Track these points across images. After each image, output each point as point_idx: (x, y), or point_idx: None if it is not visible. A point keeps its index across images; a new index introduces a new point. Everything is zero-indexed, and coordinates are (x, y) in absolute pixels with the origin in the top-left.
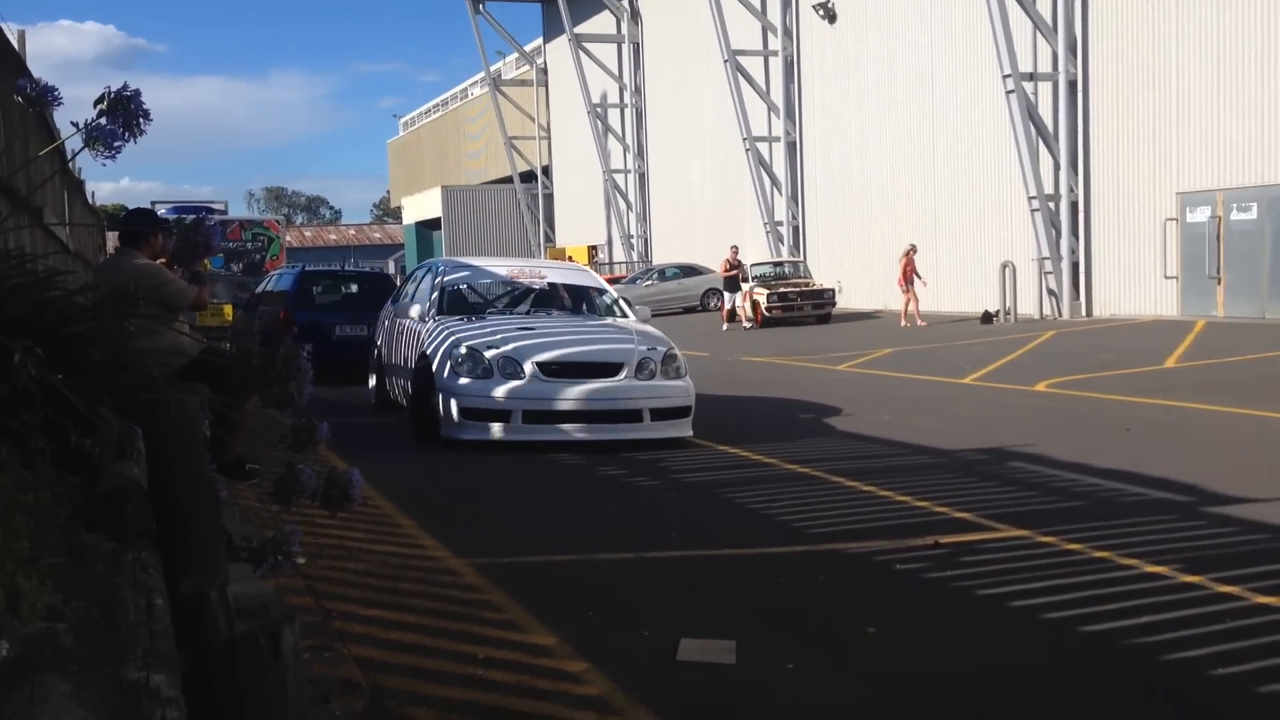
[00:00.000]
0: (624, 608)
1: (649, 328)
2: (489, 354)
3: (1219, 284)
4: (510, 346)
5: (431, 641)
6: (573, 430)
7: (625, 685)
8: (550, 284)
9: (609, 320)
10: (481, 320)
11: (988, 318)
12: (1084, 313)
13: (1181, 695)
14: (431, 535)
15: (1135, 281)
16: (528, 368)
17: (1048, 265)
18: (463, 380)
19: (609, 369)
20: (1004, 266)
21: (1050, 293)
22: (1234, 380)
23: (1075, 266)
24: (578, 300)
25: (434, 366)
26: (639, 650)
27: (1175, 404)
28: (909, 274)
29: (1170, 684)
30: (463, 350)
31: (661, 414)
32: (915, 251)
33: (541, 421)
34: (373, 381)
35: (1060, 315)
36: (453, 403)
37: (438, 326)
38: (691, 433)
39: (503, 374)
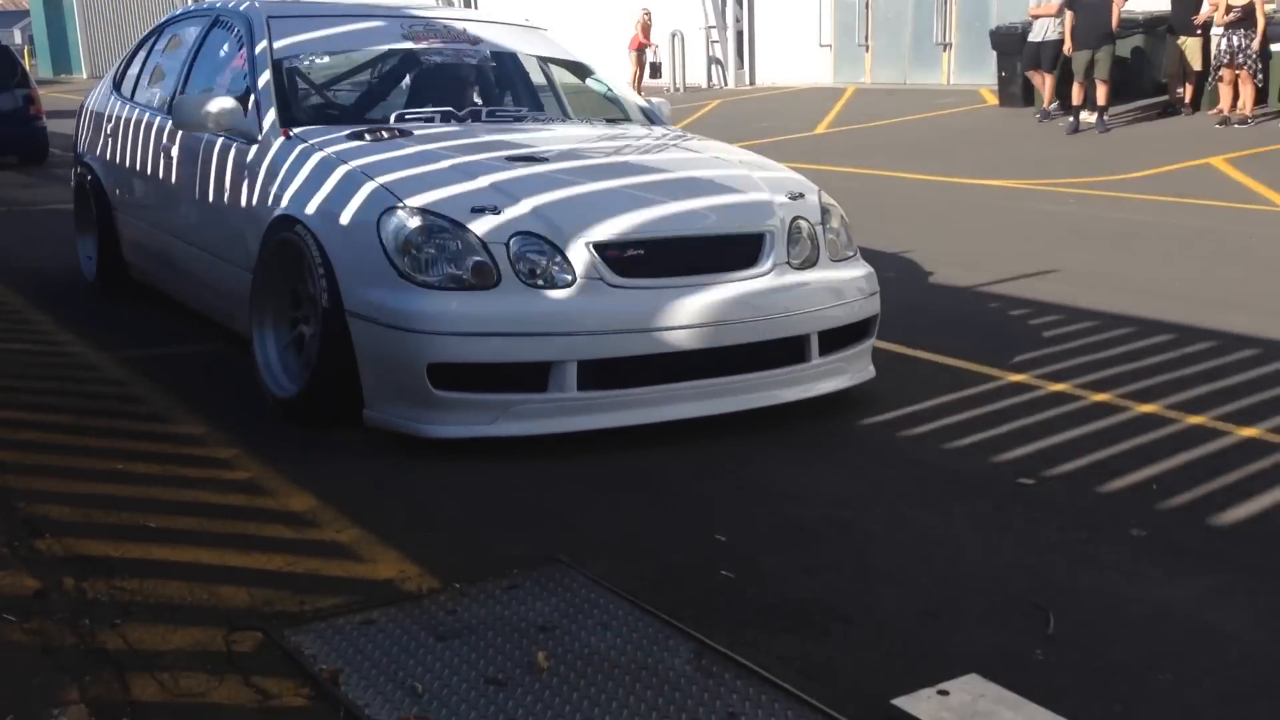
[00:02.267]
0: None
1: (744, 152)
2: (482, 226)
3: (867, 52)
4: (529, 204)
5: (71, 439)
6: (679, 401)
7: (277, 467)
8: (494, 55)
9: (651, 132)
10: (400, 139)
11: (656, 71)
12: (748, 81)
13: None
14: (68, 330)
15: (794, 50)
16: (577, 255)
17: (714, 34)
18: (426, 294)
19: (739, 250)
20: (673, 35)
21: (716, 61)
22: (876, 145)
23: (740, 35)
24: (530, 90)
25: (336, 259)
26: (294, 434)
27: (827, 168)
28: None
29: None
30: (411, 220)
31: (835, 339)
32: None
33: (614, 385)
34: (87, 246)
35: (726, 84)
36: (408, 352)
37: (308, 154)
38: (874, 371)
39: (522, 273)
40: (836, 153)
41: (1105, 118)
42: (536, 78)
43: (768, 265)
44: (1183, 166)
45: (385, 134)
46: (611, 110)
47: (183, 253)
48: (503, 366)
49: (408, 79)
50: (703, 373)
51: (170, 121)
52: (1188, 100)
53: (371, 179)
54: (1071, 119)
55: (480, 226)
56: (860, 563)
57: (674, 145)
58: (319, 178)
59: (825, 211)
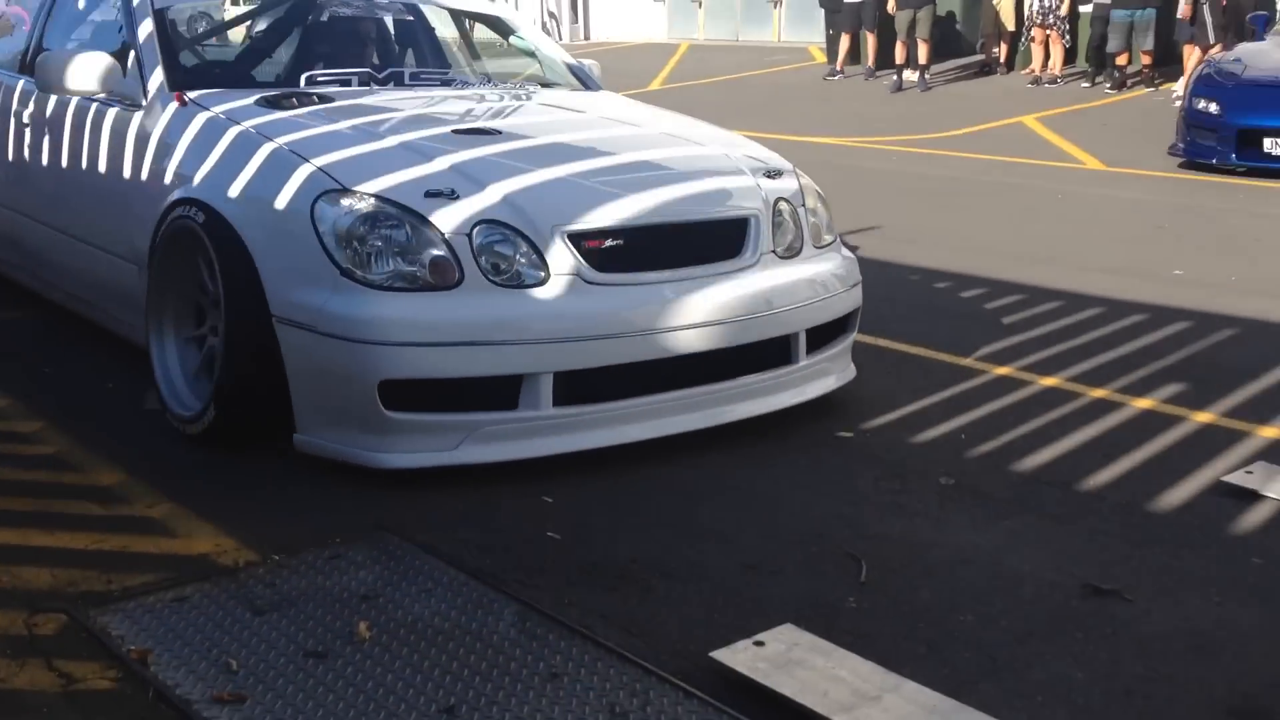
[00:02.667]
0: (79, 359)
1: (706, 125)
2: (440, 213)
3: (700, 8)
4: (494, 188)
5: None
6: (665, 414)
7: (85, 441)
8: (407, 8)
9: (596, 100)
10: (323, 108)
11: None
12: (583, 36)
13: None
14: None
15: (629, 6)
16: (552, 247)
17: None
18: (374, 296)
19: (723, 238)
20: None
21: (551, 16)
22: (709, 101)
23: None
24: (438, 48)
25: (260, 253)
26: (103, 405)
27: None
28: None
29: None
30: (354, 207)
31: (820, 336)
32: None
33: (593, 399)
34: None
35: (561, 38)
36: (354, 366)
37: (216, 126)
38: (855, 371)
39: (487, 269)
40: (670, 109)
41: (926, 76)
42: (446, 34)
43: (754, 255)
44: (998, 125)
45: (301, 101)
46: (538, 72)
47: (49, 242)
48: (467, 382)
49: (301, 33)
50: (689, 381)
51: (28, 83)
52: (1003, 60)
53: (303, 158)
54: (895, 77)
55: (438, 215)
56: (685, 520)
57: (630, 116)
58: (235, 155)
59: (803, 192)
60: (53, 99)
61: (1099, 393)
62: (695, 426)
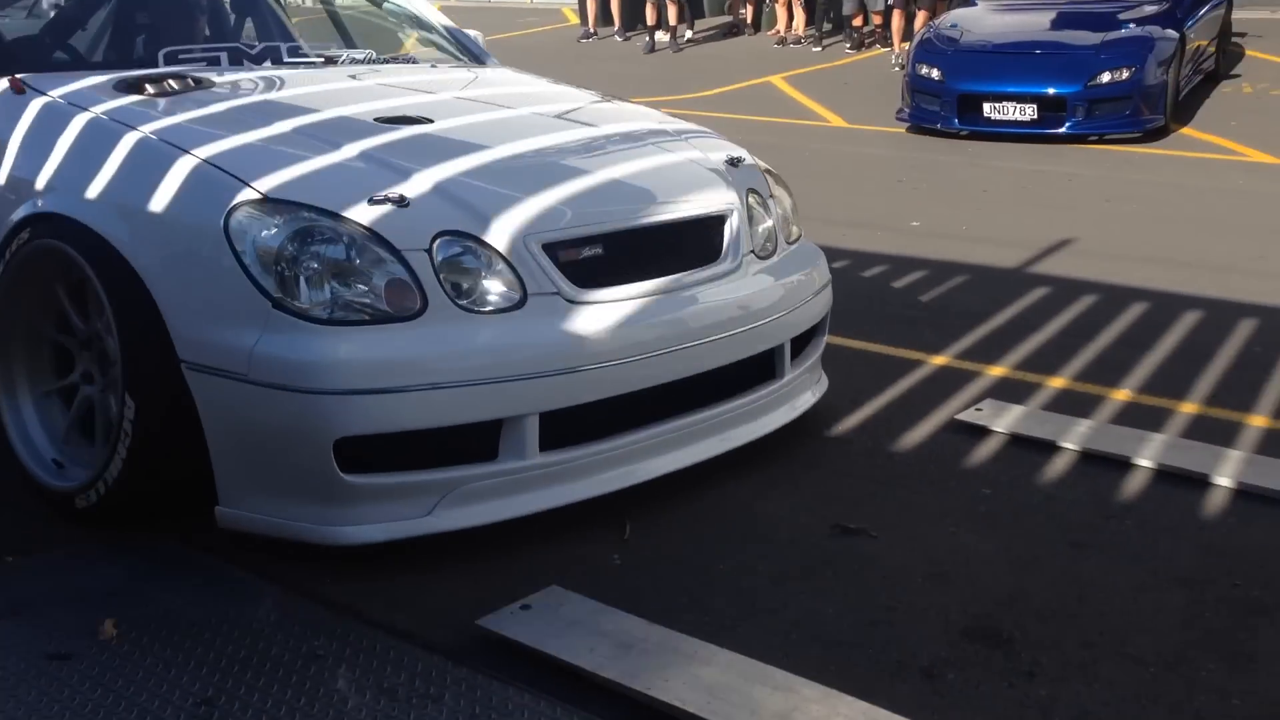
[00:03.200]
0: None
1: (635, 105)
2: (390, 224)
3: None
4: (445, 190)
5: None
6: (658, 452)
7: None
8: None
9: (506, 76)
10: (204, 93)
11: None
12: None
13: None
14: None
15: None
16: (524, 260)
17: None
18: (320, 333)
19: (701, 240)
20: None
21: None
22: None
23: None
24: (280, 20)
25: (156, 282)
26: None
27: None
28: None
29: None
30: (277, 219)
31: (798, 345)
32: None
33: (580, 440)
34: None
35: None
36: (300, 423)
37: (66, 117)
38: (826, 380)
39: (451, 292)
40: None
41: (678, 38)
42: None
43: (736, 258)
44: (748, 84)
45: (174, 84)
46: (415, 45)
47: None
48: (439, 432)
49: (117, 2)
50: (676, 409)
51: None
52: (749, 21)
53: (204, 160)
54: (647, 38)
55: (388, 226)
56: None
57: (554, 94)
58: (107, 158)
59: (767, 179)
60: None
61: (843, 341)
62: (698, 459)
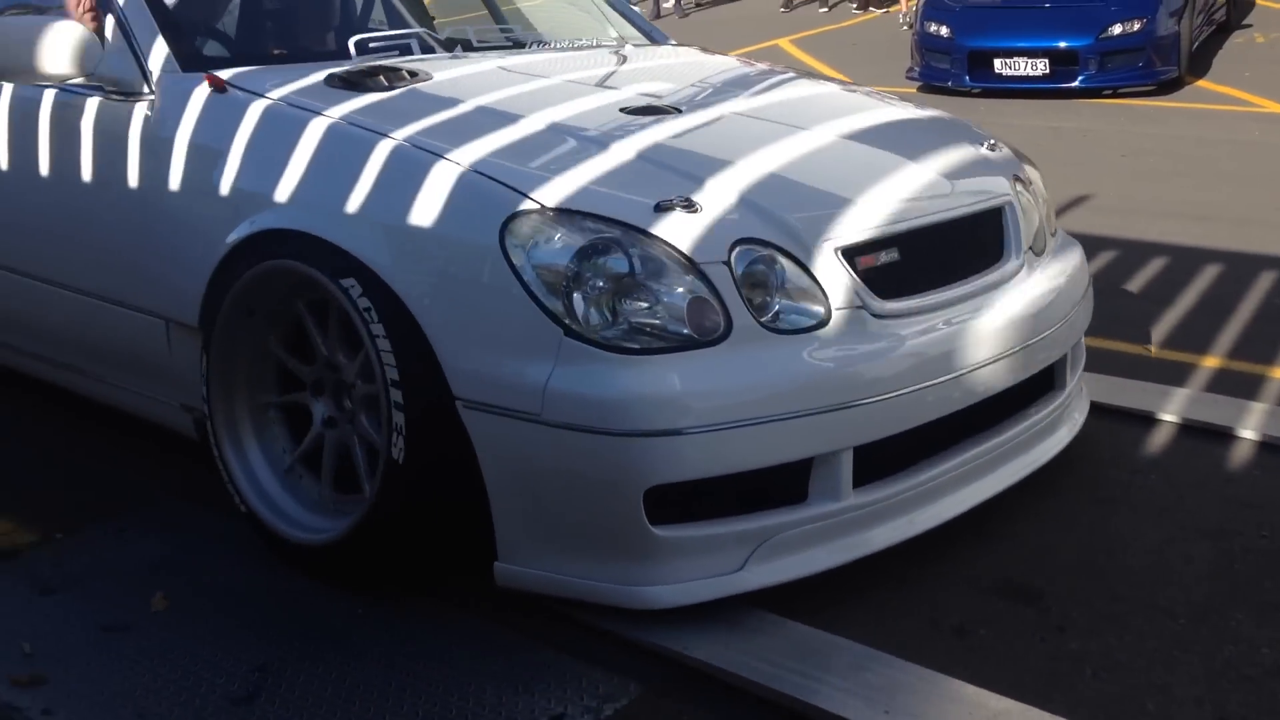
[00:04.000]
0: None
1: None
2: (683, 234)
3: None
4: (734, 192)
5: None
6: (964, 483)
7: None
8: None
9: (704, 56)
10: (424, 87)
11: None
12: None
13: None
14: None
15: None
16: (827, 270)
17: None
18: (623, 364)
19: (983, 237)
20: None
21: None
22: None
23: None
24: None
25: (423, 309)
26: None
27: None
28: None
29: None
30: (561, 231)
31: (1075, 353)
32: None
33: (892, 474)
34: None
35: None
36: (605, 470)
37: (295, 121)
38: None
39: (754, 309)
40: None
41: (683, 2)
42: None
43: (1018, 257)
44: (755, 48)
45: (389, 79)
46: (583, 25)
47: (31, 297)
48: (751, 475)
49: None
50: (970, 434)
51: None
52: None
53: (462, 165)
54: (652, 3)
55: (682, 236)
56: None
57: (779, 76)
58: (347, 165)
59: (1021, 163)
60: (20, 93)
61: None
62: (998, 489)
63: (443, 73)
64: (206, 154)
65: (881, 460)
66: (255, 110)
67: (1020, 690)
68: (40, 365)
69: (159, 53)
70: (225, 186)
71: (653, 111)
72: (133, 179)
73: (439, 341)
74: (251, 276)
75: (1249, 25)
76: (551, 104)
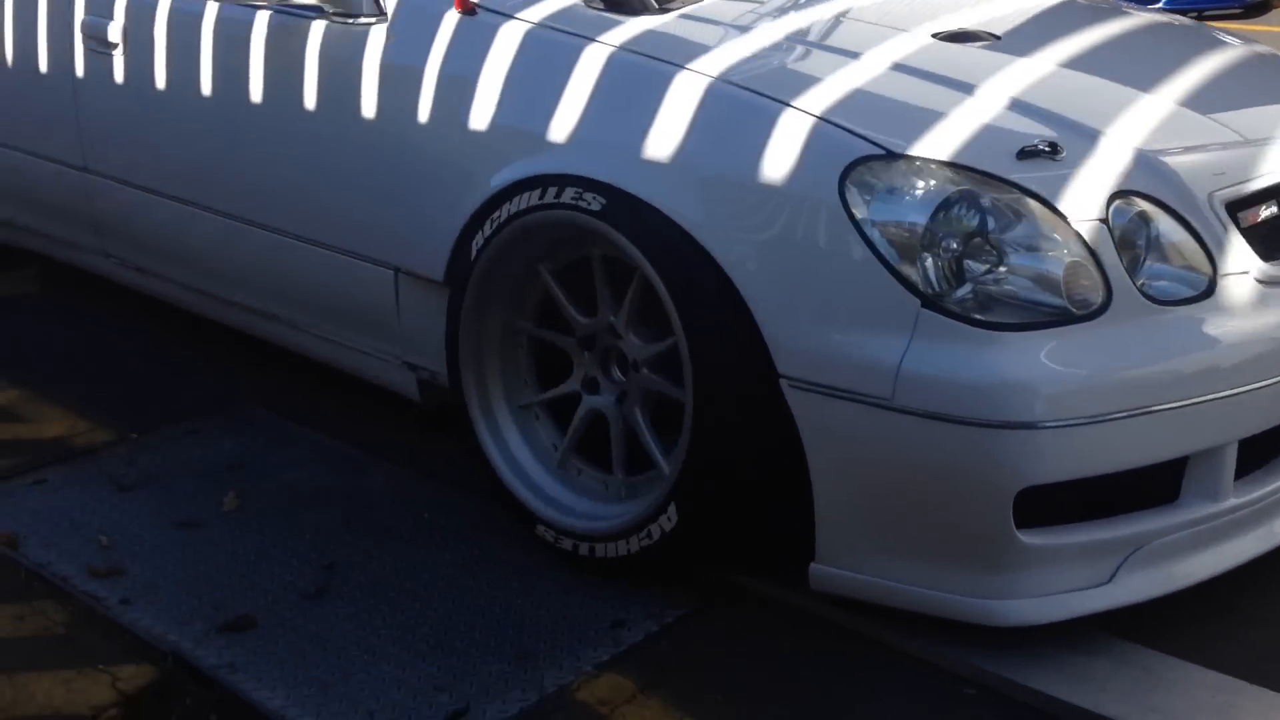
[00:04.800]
0: None
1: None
2: (1053, 185)
3: None
4: (1107, 135)
5: None
6: None
7: None
8: None
9: None
10: (689, 10)
11: None
12: None
13: None
14: None
15: None
16: (1210, 228)
17: None
18: (990, 341)
19: None
20: None
21: None
22: None
23: None
24: None
25: (741, 270)
26: None
27: None
28: None
29: None
30: (920, 183)
31: None
32: None
33: (1269, 469)
34: None
35: None
36: (963, 465)
37: (559, 49)
38: None
39: (1133, 275)
40: None
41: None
42: None
43: None
44: None
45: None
46: None
47: (198, 229)
48: (1125, 473)
49: None
50: None
51: None
52: None
53: (779, 102)
54: None
55: (1053, 188)
56: None
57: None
58: (642, 103)
59: None
60: (209, 11)
61: None
62: None
63: None
64: (457, 85)
65: (1258, 453)
66: (514, 35)
67: None
68: (230, 310)
69: None
70: (483, 123)
71: (969, 38)
72: (364, 112)
73: (763, 312)
74: (522, 225)
75: None
76: (849, 29)
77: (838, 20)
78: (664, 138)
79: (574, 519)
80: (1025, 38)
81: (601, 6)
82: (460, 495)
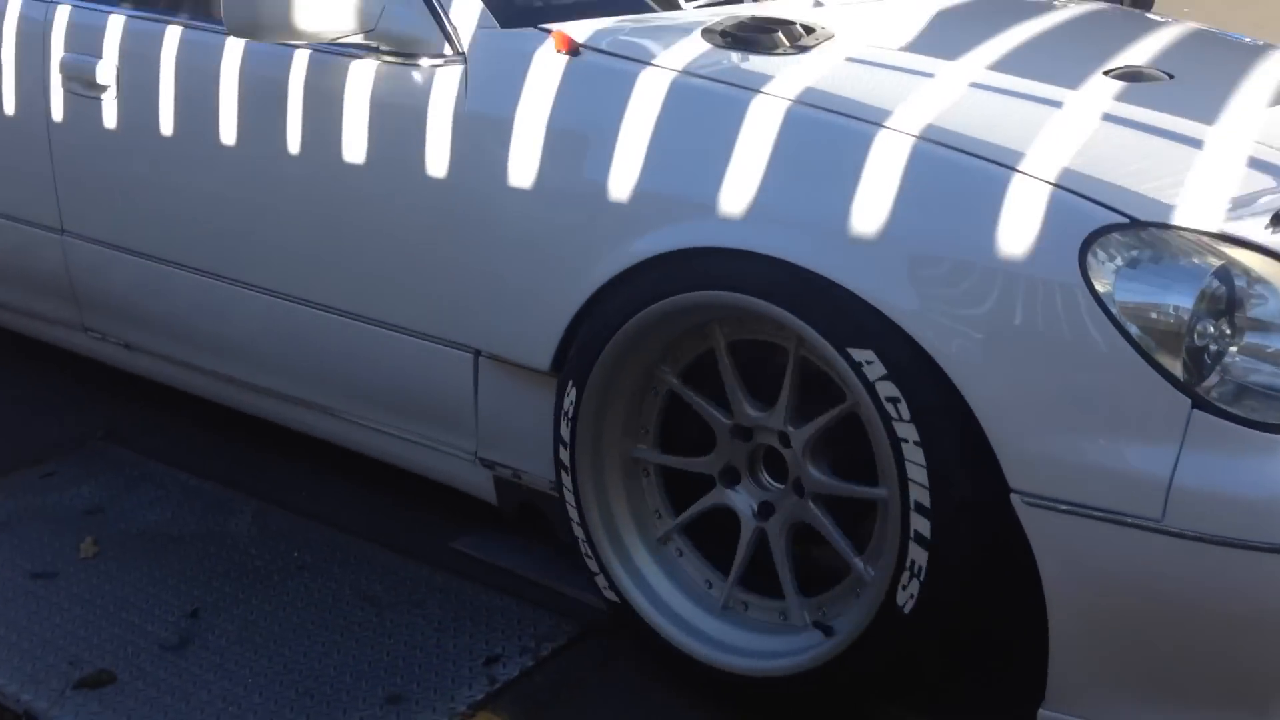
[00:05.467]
0: None
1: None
2: None
3: None
4: None
5: None
6: None
7: None
8: None
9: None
10: (838, 48)
11: None
12: None
13: None
14: None
15: None
16: None
17: None
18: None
19: None
20: None
21: None
22: None
23: None
24: None
25: (948, 361)
26: None
27: None
28: None
29: None
30: (1194, 258)
31: None
32: None
33: None
34: None
35: None
36: (1251, 597)
37: (681, 97)
38: None
39: None
40: None
41: None
42: None
43: None
44: None
45: (787, 35)
46: None
47: (238, 312)
48: None
49: None
50: None
51: (199, 30)
52: None
53: (991, 162)
54: None
55: None
56: None
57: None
58: (820, 165)
59: None
60: (229, 49)
61: None
62: None
63: (833, 22)
64: (563, 139)
65: None
66: (640, 82)
67: None
68: (247, 394)
69: (468, 3)
70: (606, 185)
71: (1143, 77)
72: (433, 170)
73: (990, 414)
74: (666, 308)
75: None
76: (1025, 66)
77: (1007, 56)
78: (861, 208)
79: (753, 660)
80: (1198, 77)
81: (725, 43)
82: (330, 530)
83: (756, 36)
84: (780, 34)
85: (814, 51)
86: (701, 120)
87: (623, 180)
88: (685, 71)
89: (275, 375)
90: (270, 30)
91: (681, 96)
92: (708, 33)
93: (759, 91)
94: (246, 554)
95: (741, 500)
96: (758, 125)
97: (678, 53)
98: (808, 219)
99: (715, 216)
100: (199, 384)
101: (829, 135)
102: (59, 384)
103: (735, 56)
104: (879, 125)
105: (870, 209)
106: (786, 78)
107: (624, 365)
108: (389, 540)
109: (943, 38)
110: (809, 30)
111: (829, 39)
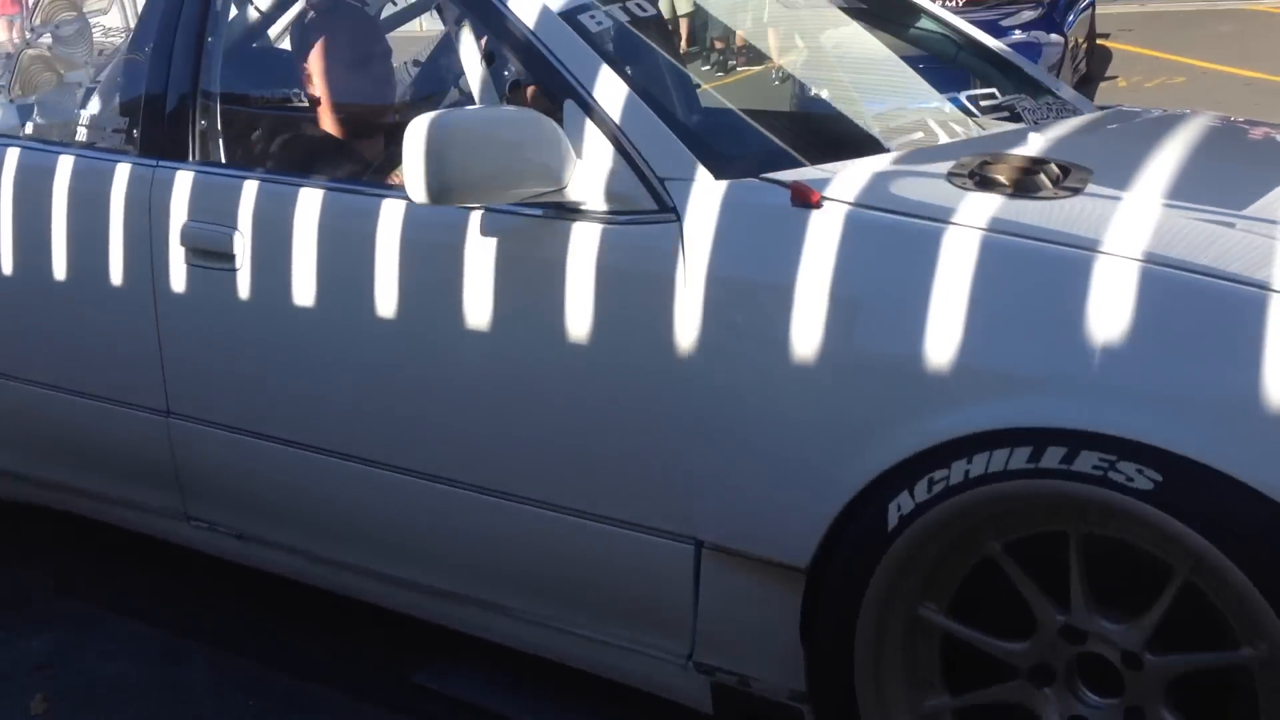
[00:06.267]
0: None
1: None
2: None
3: None
4: None
5: None
6: None
7: None
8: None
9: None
10: (1115, 194)
11: None
12: None
13: None
14: None
15: None
16: None
17: None
18: None
19: None
20: None
21: None
22: None
23: None
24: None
25: None
26: None
27: None
28: None
29: None
30: None
31: None
32: None
33: None
34: None
35: None
36: None
37: (999, 258)
38: None
39: None
40: None
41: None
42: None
43: None
44: None
45: (1048, 177)
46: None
47: (387, 499)
48: None
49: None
50: None
51: (365, 198)
52: None
53: None
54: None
55: None
56: None
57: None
58: (1174, 330)
59: None
60: (387, 212)
61: None
62: None
63: (1081, 157)
64: (815, 301)
65: None
66: (912, 239)
67: None
68: (389, 588)
69: (673, 153)
70: (886, 355)
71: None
72: (644, 338)
73: None
74: (986, 496)
75: (1113, 76)
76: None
77: (1229, 189)
78: (1252, 385)
79: None
80: None
81: (971, 185)
82: (292, 680)
83: (1019, 179)
84: (1041, 176)
85: (1090, 197)
86: (1001, 278)
87: (896, 349)
88: (958, 223)
89: (427, 567)
90: (461, 194)
91: (985, 253)
92: (955, 176)
93: (1063, 245)
94: (201, 705)
95: (1050, 709)
96: (1104, 289)
97: (937, 200)
98: (1174, 396)
99: (1049, 392)
100: (323, 575)
101: (1197, 299)
102: (4, 533)
103: (1007, 203)
104: (1266, 289)
105: (1259, 385)
106: (1124, 235)
107: (922, 559)
108: (347, 683)
109: (1194, 174)
110: (1065, 170)
111: (1089, 176)
